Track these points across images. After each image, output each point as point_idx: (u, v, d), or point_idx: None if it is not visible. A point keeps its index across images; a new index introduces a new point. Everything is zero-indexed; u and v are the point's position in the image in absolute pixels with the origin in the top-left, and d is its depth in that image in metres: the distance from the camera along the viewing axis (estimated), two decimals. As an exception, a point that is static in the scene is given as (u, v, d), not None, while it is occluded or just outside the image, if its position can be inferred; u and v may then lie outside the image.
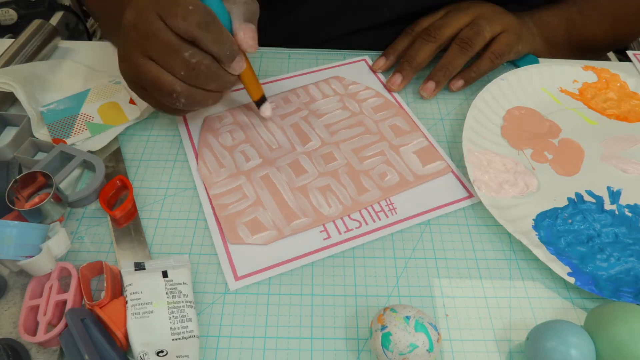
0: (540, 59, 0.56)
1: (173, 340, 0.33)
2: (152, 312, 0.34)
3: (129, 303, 0.34)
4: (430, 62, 0.52)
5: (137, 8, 0.38)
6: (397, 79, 0.52)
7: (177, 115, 0.47)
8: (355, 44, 0.58)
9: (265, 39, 0.56)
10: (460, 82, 0.51)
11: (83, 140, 0.46)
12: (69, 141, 0.45)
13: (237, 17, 0.40)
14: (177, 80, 0.38)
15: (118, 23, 0.46)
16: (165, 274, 0.36)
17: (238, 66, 0.39)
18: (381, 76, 0.54)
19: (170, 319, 0.34)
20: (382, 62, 0.54)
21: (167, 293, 0.35)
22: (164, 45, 0.37)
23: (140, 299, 0.35)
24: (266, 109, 0.46)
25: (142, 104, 0.49)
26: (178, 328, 0.34)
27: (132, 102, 0.49)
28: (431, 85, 0.51)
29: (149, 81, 0.38)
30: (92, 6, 0.57)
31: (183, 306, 0.35)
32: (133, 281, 0.35)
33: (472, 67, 0.51)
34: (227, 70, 0.39)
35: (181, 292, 0.35)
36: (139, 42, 0.37)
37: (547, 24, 0.56)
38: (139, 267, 0.37)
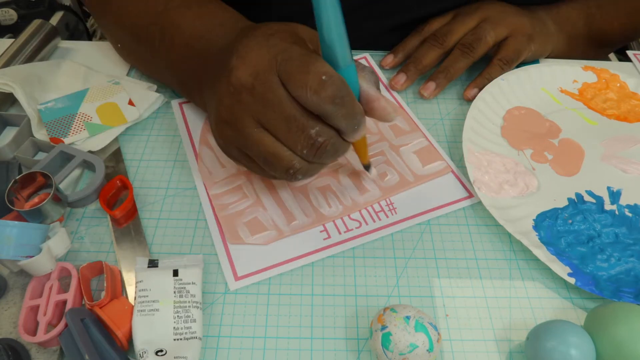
0: (540, 59, 0.56)
1: (174, 340, 0.33)
2: (157, 310, 0.34)
3: (137, 300, 0.35)
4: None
5: (254, 67, 0.32)
6: (401, 78, 0.52)
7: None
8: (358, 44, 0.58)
9: None
10: (475, 91, 0.52)
11: (82, 141, 0.46)
12: (67, 140, 0.45)
13: (370, 84, 0.35)
14: (296, 157, 0.33)
15: (186, 72, 0.42)
16: (175, 273, 0.36)
17: (360, 134, 0.34)
18: (382, 76, 0.54)
19: (174, 318, 0.34)
20: (390, 59, 0.55)
21: (174, 292, 0.35)
22: (286, 119, 0.32)
23: (147, 296, 0.35)
24: (372, 172, 0.42)
25: (142, 106, 0.49)
26: (181, 328, 0.34)
27: (131, 103, 0.49)
28: (431, 85, 0.51)
29: (262, 154, 0.34)
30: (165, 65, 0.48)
31: (189, 306, 0.35)
32: (144, 278, 0.36)
33: (484, 74, 0.52)
34: (348, 140, 0.34)
35: (189, 292, 0.35)
36: (253, 109, 0.32)
37: (567, 18, 0.56)
38: (152, 264, 0.37)
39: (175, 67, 0.45)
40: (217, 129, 0.36)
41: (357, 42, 0.57)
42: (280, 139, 0.33)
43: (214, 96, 0.36)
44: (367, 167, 0.41)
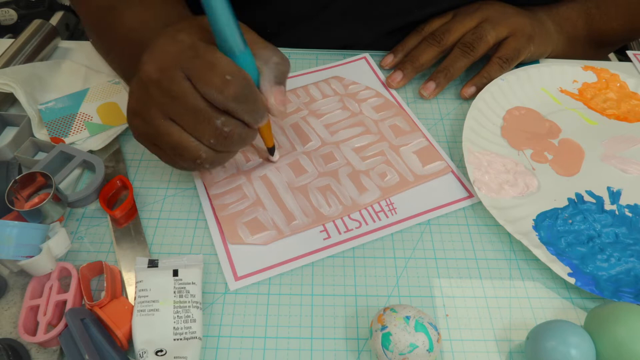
0: (540, 59, 0.56)
1: (174, 340, 0.33)
2: (157, 310, 0.34)
3: (137, 299, 0.35)
4: (435, 63, 0.53)
5: (160, 63, 0.33)
6: (398, 76, 0.52)
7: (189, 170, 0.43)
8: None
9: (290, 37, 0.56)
10: (472, 89, 0.52)
11: (83, 140, 0.46)
12: (67, 140, 0.45)
13: (267, 78, 0.36)
14: (202, 146, 0.35)
15: (125, 64, 0.44)
16: (175, 273, 0.36)
17: (263, 123, 0.36)
18: (381, 76, 0.54)
19: (174, 318, 0.34)
20: (390, 59, 0.55)
21: (174, 292, 0.35)
22: (192, 111, 0.33)
23: (147, 296, 0.35)
24: (276, 156, 0.44)
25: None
26: (181, 328, 0.34)
27: (132, 102, 0.49)
28: (432, 85, 0.51)
29: (170, 144, 0.35)
30: (92, 34, 0.53)
31: (189, 306, 0.35)
32: (144, 278, 0.36)
33: (483, 72, 0.52)
34: (253, 128, 0.36)
35: (189, 292, 0.35)
36: (160, 102, 0.33)
37: (567, 19, 0.56)
38: (152, 264, 0.37)
39: (117, 60, 0.48)
40: (129, 120, 0.37)
41: (358, 44, 0.58)
42: (187, 130, 0.34)
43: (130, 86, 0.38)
44: (271, 150, 0.43)
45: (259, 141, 0.45)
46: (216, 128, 0.33)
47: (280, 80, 0.37)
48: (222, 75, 0.32)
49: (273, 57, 0.36)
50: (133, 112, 0.36)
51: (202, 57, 0.33)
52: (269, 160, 0.45)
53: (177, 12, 0.46)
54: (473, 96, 0.51)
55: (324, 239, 0.40)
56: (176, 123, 0.34)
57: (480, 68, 0.52)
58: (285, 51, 0.57)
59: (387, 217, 0.42)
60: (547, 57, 0.56)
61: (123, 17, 0.46)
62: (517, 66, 0.53)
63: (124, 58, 0.46)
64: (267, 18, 0.57)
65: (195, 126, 0.34)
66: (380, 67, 0.55)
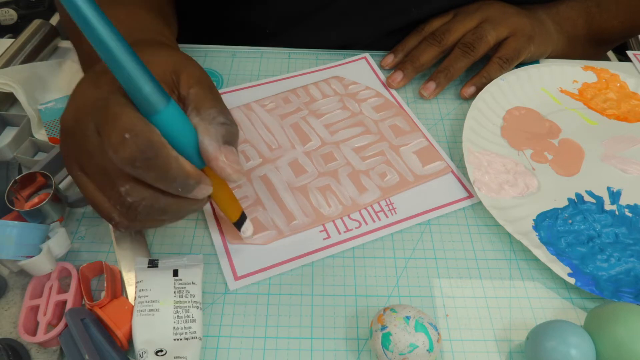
0: (540, 59, 0.56)
1: (174, 340, 0.33)
2: (157, 310, 0.34)
3: (137, 300, 0.35)
4: (435, 63, 0.53)
5: (75, 111, 0.30)
6: (398, 76, 0.52)
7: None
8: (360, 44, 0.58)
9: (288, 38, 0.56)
10: (472, 89, 0.52)
11: (83, 140, 0.46)
12: (68, 141, 0.45)
13: (214, 137, 0.29)
14: (115, 211, 0.30)
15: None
16: (175, 273, 0.36)
17: (200, 194, 0.30)
18: (381, 76, 0.54)
19: (174, 318, 0.34)
20: (390, 59, 0.55)
21: (174, 292, 0.35)
22: (100, 171, 0.29)
23: (147, 296, 0.35)
24: (247, 229, 0.38)
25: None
26: (181, 328, 0.34)
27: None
28: (432, 85, 0.51)
29: (86, 198, 0.31)
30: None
31: (189, 306, 0.35)
32: (144, 278, 0.36)
33: (482, 72, 0.52)
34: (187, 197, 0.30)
35: (189, 292, 0.35)
36: (75, 154, 0.30)
37: (567, 18, 0.56)
38: (152, 264, 0.37)
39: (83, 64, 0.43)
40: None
41: (358, 44, 0.58)
42: (99, 188, 0.30)
43: None
44: (237, 224, 0.37)
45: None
46: (119, 195, 0.29)
47: (229, 141, 0.30)
48: (120, 133, 0.26)
49: (220, 117, 0.30)
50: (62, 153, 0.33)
51: (109, 109, 0.27)
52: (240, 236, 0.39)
53: (145, 26, 0.40)
54: (473, 96, 0.51)
55: (324, 239, 0.40)
56: (89, 179, 0.30)
57: (480, 68, 0.52)
58: (285, 51, 0.57)
59: (387, 217, 0.42)
60: (547, 57, 0.56)
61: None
62: (517, 66, 0.53)
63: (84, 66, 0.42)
64: (266, 17, 0.57)
65: (103, 187, 0.30)
66: (381, 67, 0.55)
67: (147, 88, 0.26)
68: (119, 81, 0.26)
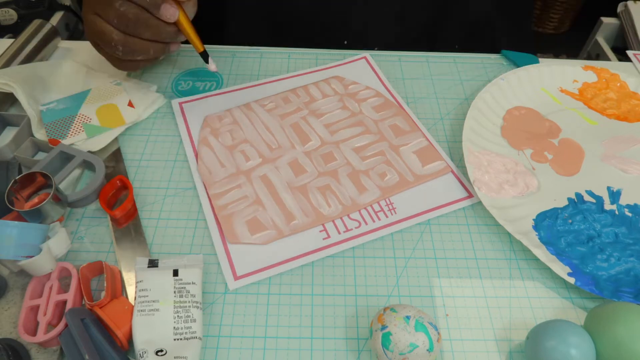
0: (540, 59, 0.56)
1: (174, 340, 0.33)
2: (157, 310, 0.34)
3: (137, 299, 0.35)
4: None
5: None
6: None
7: (134, 70, 0.50)
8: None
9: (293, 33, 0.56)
10: None
11: (81, 142, 0.46)
12: (65, 142, 0.45)
13: None
14: (114, 30, 0.42)
15: None
16: (175, 273, 0.36)
17: (168, 13, 0.43)
18: (382, 76, 0.54)
19: (174, 318, 0.34)
20: None
21: (174, 292, 0.35)
22: (104, 4, 0.41)
23: (147, 296, 0.35)
24: (211, 64, 0.49)
25: (141, 106, 0.49)
26: (181, 328, 0.34)
27: (130, 104, 0.49)
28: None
29: (95, 34, 0.43)
30: None
31: (189, 306, 0.35)
32: (144, 278, 0.36)
33: None
34: (159, 17, 0.43)
35: (189, 292, 0.35)
36: (89, 1, 0.43)
37: None
38: (152, 264, 0.37)
39: None
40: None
41: (357, 44, 0.58)
42: (103, 17, 0.42)
43: None
44: (203, 55, 0.48)
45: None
46: (116, 9, 0.41)
47: None
48: None
49: None
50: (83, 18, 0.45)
51: None
52: (208, 69, 0.49)
53: None
54: None
55: (324, 239, 0.40)
56: (98, 15, 0.42)
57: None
58: (285, 51, 0.57)
59: (387, 217, 0.42)
60: None
61: None
62: (517, 66, 0.53)
63: None
64: (266, 17, 0.57)
65: (104, 11, 0.42)
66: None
67: None
68: None
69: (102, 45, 0.45)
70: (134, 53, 0.44)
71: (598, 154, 0.47)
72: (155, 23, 0.43)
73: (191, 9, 0.45)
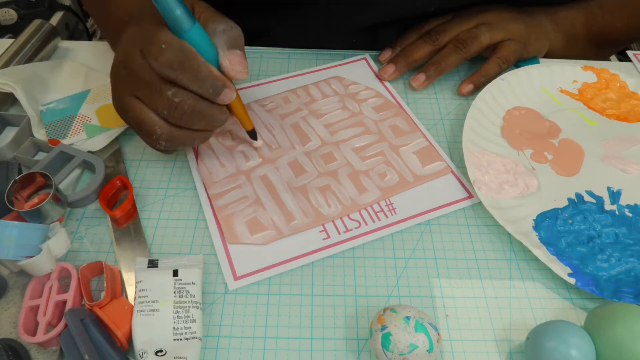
0: (540, 59, 0.56)
1: (174, 340, 0.33)
2: (157, 310, 0.34)
3: (136, 300, 0.35)
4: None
5: (125, 46, 0.37)
6: (390, 69, 0.53)
7: (168, 153, 0.45)
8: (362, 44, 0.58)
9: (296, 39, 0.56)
10: (470, 87, 0.52)
11: (80, 142, 0.46)
12: (65, 142, 0.45)
13: (219, 46, 0.37)
14: (159, 120, 0.37)
15: (111, 40, 0.46)
16: (175, 273, 0.36)
17: (226, 98, 0.37)
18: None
19: (174, 318, 0.34)
20: (388, 54, 0.56)
21: (174, 292, 0.35)
22: (147, 84, 0.36)
23: (147, 296, 0.35)
24: (258, 141, 0.46)
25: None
26: (181, 328, 0.34)
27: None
28: (422, 77, 0.52)
29: (133, 119, 0.38)
30: (92, 14, 0.56)
31: (189, 307, 0.35)
32: (143, 278, 0.36)
33: (481, 71, 0.52)
34: (217, 102, 0.37)
35: (189, 292, 0.35)
36: (126, 81, 0.37)
37: (564, 17, 0.56)
38: (152, 264, 0.37)
39: (109, 34, 0.50)
40: (113, 103, 0.40)
41: (357, 44, 0.58)
42: (146, 104, 0.37)
43: None
44: (251, 133, 0.45)
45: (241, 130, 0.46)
46: (167, 98, 0.35)
47: (233, 44, 0.37)
48: (158, 45, 0.34)
49: (220, 26, 0.37)
50: (112, 92, 0.40)
51: (149, 32, 0.35)
52: (253, 146, 0.46)
53: None
54: (470, 94, 0.52)
55: (324, 239, 0.40)
56: (139, 100, 0.37)
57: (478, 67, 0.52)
58: (285, 51, 0.57)
59: (387, 217, 0.42)
60: (546, 56, 0.57)
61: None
62: (517, 66, 0.53)
63: (114, 35, 0.48)
64: (269, 16, 0.57)
65: (150, 98, 0.36)
66: (378, 60, 0.56)
67: (177, 12, 0.34)
68: (156, 7, 0.34)
69: (139, 134, 0.39)
70: (177, 146, 0.39)
71: (598, 154, 0.47)
72: (211, 112, 0.37)
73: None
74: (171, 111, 0.36)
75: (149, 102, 0.36)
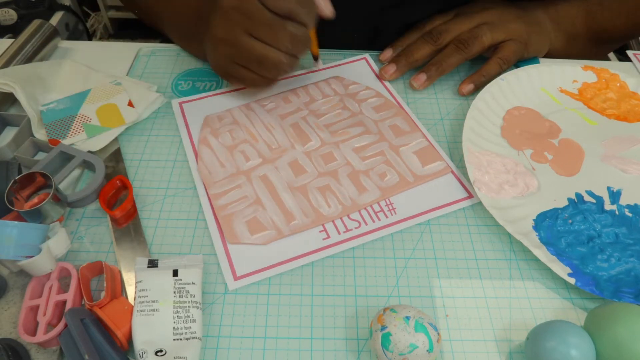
0: (540, 59, 0.56)
1: (174, 340, 0.33)
2: (157, 310, 0.34)
3: (136, 300, 0.35)
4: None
5: None
6: (391, 68, 0.53)
7: (260, 88, 0.51)
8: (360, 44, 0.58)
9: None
10: (470, 86, 0.52)
11: (81, 142, 0.46)
12: (65, 142, 0.45)
13: None
14: (282, 53, 0.42)
15: (192, 22, 0.50)
16: (175, 273, 0.36)
17: (314, 24, 0.43)
18: (378, 71, 0.54)
19: (174, 318, 0.34)
20: (389, 54, 0.56)
21: (174, 292, 0.35)
22: (269, 24, 0.40)
23: (147, 296, 0.35)
24: (319, 63, 0.53)
25: (141, 106, 0.49)
26: (181, 328, 0.34)
27: (130, 104, 0.49)
28: (422, 77, 0.52)
29: (254, 57, 0.42)
30: (154, 9, 0.56)
31: (189, 307, 0.35)
32: (143, 278, 0.36)
33: (482, 71, 0.52)
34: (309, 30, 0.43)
35: (189, 292, 0.35)
36: (242, 23, 0.41)
37: (564, 16, 0.57)
38: (152, 264, 0.37)
39: (174, 19, 0.54)
40: (216, 50, 0.45)
41: (357, 44, 0.58)
42: (267, 42, 0.41)
43: (209, 28, 0.44)
44: (316, 57, 0.52)
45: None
46: (290, 33, 0.41)
47: None
48: None
49: None
50: (220, 40, 0.43)
51: None
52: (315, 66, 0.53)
53: None
54: (470, 93, 0.52)
55: (324, 239, 0.40)
56: (257, 39, 0.41)
57: (479, 67, 0.52)
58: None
59: (387, 217, 0.42)
60: (546, 56, 0.57)
61: None
62: (517, 66, 0.53)
63: (183, 15, 0.52)
64: None
65: (273, 36, 0.41)
66: (379, 60, 0.56)
67: None
68: None
69: (260, 70, 0.44)
70: (292, 71, 0.46)
71: (598, 154, 0.47)
72: (309, 38, 0.44)
73: None
74: (294, 42, 0.42)
75: (271, 40, 0.41)
